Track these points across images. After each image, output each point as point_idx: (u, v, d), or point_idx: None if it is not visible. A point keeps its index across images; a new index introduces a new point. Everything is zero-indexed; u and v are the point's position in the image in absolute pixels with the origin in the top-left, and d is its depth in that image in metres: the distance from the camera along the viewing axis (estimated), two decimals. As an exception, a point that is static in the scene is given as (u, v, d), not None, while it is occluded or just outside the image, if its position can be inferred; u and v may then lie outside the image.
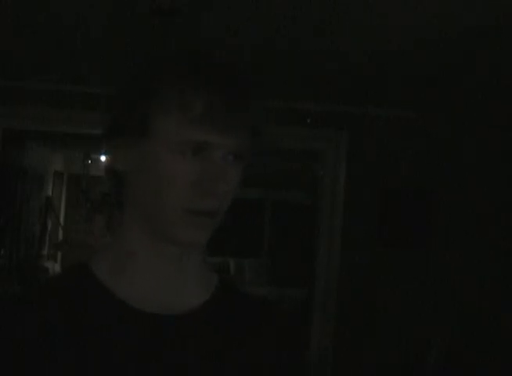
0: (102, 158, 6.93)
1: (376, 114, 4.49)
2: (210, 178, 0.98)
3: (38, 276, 7.12)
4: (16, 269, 7.12)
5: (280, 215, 10.95)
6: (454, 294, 4.43)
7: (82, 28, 3.59)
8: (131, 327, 1.03)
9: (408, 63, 3.93)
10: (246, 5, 3.13)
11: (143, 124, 1.00)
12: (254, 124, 1.03)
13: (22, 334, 1.00)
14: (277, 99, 4.44)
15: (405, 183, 4.51)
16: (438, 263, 4.46)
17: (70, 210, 10.00)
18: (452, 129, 4.51)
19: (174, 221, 1.00)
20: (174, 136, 0.98)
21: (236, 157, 1.01)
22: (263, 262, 10.98)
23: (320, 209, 4.62)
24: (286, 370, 1.12)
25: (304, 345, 1.17)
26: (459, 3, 2.96)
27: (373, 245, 4.48)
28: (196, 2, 3.15)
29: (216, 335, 1.07)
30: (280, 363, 1.11)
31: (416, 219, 4.49)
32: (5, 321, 1.01)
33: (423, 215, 4.49)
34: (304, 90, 4.45)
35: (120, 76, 1.13)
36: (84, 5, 3.25)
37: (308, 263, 5.15)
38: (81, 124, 4.53)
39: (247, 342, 1.10)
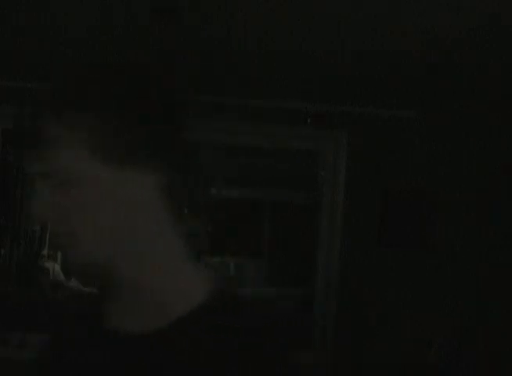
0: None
1: (376, 114, 4.48)
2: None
3: (38, 276, 7.11)
4: (16, 269, 7.11)
5: (280, 215, 10.94)
6: (454, 294, 4.43)
7: (82, 28, 3.59)
8: (101, 349, 1.04)
9: (408, 63, 3.93)
10: (246, 5, 3.13)
11: None
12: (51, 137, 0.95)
13: None
14: (277, 99, 4.44)
15: (405, 183, 4.51)
16: (438, 263, 4.45)
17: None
18: (452, 129, 4.51)
19: None
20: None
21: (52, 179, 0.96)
22: (263, 262, 10.97)
23: (320, 209, 4.62)
24: None
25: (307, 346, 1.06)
26: (458, 4, 2.96)
27: (373, 245, 4.48)
28: (196, 2, 3.15)
29: (171, 363, 0.96)
30: None
31: (416, 219, 4.49)
32: None
33: (424, 215, 4.49)
34: (304, 90, 4.45)
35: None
36: (84, 6, 3.25)
37: (308, 263, 5.15)
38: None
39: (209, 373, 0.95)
